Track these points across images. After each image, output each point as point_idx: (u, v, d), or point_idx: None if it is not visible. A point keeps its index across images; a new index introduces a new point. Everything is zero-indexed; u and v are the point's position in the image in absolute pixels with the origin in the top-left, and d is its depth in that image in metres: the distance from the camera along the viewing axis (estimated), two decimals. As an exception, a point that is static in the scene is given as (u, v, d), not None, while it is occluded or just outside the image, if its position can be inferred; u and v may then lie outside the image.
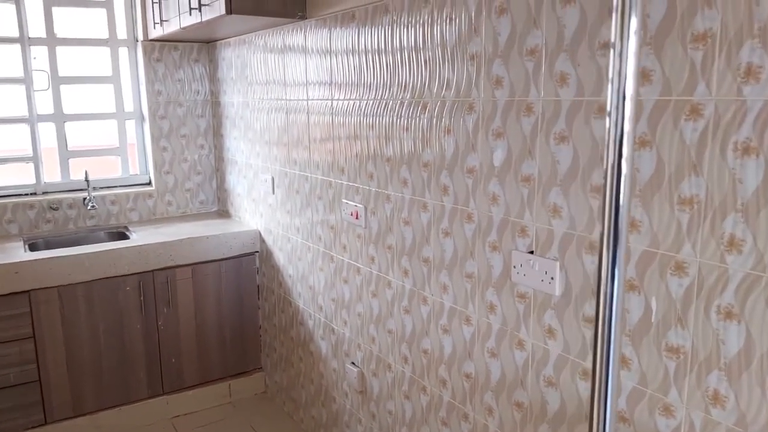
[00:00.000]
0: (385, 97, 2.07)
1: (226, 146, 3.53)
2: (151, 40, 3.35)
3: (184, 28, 2.79)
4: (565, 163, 1.47)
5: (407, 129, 1.99)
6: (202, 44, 3.55)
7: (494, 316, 1.74)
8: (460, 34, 1.73)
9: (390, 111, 2.06)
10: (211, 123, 3.66)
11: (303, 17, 2.49)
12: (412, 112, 1.95)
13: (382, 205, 2.17)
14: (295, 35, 2.59)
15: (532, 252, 1.59)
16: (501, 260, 1.69)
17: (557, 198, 1.50)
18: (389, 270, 2.19)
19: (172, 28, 2.93)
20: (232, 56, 3.27)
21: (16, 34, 3.16)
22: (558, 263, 1.52)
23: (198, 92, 3.58)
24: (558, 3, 1.44)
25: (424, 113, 1.90)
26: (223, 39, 3.33)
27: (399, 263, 2.13)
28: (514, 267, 1.64)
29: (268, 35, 2.82)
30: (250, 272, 3.27)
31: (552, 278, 1.54)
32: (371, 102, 2.15)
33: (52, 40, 3.26)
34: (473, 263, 1.79)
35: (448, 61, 1.79)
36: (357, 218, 2.33)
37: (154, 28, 3.16)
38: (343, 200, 2.40)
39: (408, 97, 1.96)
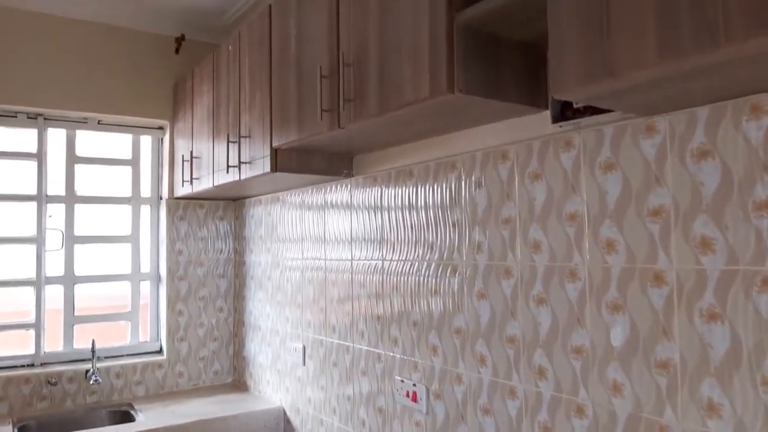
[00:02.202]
0: (453, 259, 1.82)
1: (248, 309, 3.22)
2: (177, 198, 3.19)
3: (217, 186, 2.63)
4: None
5: (483, 295, 1.71)
6: (228, 201, 3.40)
7: None
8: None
9: (459, 275, 1.79)
10: (233, 284, 3.39)
11: (349, 175, 2.33)
12: (490, 278, 1.68)
13: (451, 386, 1.82)
14: (338, 192, 2.41)
15: (679, 461, 1.24)
16: (632, 470, 1.32)
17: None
18: (462, 469, 1.78)
19: (203, 186, 2.77)
20: (262, 213, 3.08)
21: (34, 191, 3.00)
22: (725, 480, 1.15)
23: (221, 251, 3.36)
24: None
25: (508, 279, 1.63)
26: (253, 196, 3.17)
27: (476, 462, 1.73)
28: (655, 480, 1.27)
29: (306, 192, 2.65)
30: (272, 458, 2.80)
31: (718, 501, 1.16)
32: (434, 264, 1.89)
33: (71, 198, 3.10)
34: (588, 470, 1.41)
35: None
36: (415, 401, 1.96)
37: (183, 186, 3.01)
38: (396, 377, 2.05)
39: (485, 261, 1.70)
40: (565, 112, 1.50)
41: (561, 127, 1.51)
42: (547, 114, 1.55)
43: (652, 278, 1.29)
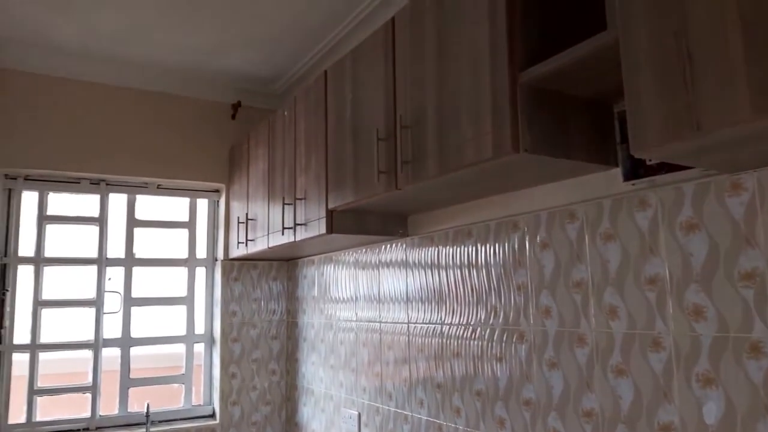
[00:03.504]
0: (520, 325, 1.72)
1: (301, 372, 3.15)
2: (231, 259, 3.21)
3: (272, 247, 2.62)
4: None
5: (553, 365, 1.60)
6: (282, 262, 3.39)
7: None
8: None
9: (527, 342, 1.69)
10: (286, 346, 3.34)
11: (404, 234, 2.28)
12: (560, 345, 1.57)
13: (521, 462, 1.69)
14: (392, 252, 2.36)
15: None
16: None
17: None
18: None
19: (258, 247, 2.78)
20: (315, 274, 3.06)
21: (94, 254, 3.07)
22: None
23: (274, 312, 3.33)
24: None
25: (582, 347, 1.52)
26: (305, 256, 3.16)
27: None
28: None
29: (360, 252, 2.61)
30: None
31: None
32: (498, 329, 1.80)
33: (130, 261, 3.15)
34: None
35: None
36: (481, 476, 1.83)
37: (237, 247, 3.03)
38: (460, 450, 1.93)
39: (555, 327, 1.60)
40: (637, 170, 1.42)
41: (634, 185, 1.43)
42: (615, 172, 1.48)
43: (748, 348, 1.17)
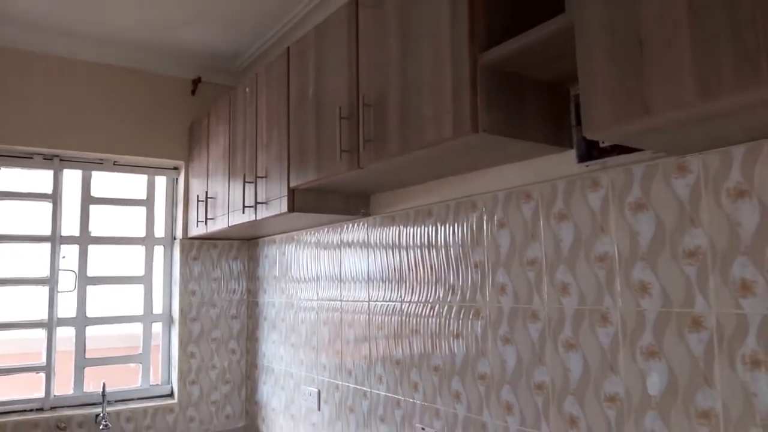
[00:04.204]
0: (476, 302, 1.77)
1: (262, 351, 3.16)
2: (191, 238, 3.17)
3: (232, 226, 2.60)
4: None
5: (507, 340, 1.65)
6: (242, 241, 3.37)
7: None
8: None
9: (483, 319, 1.74)
10: (246, 325, 3.33)
11: (366, 214, 2.30)
12: (516, 321, 1.63)
13: (475, 434, 1.75)
14: (354, 232, 2.38)
15: None
16: None
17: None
18: None
19: (217, 226, 2.75)
20: (276, 253, 3.05)
21: (48, 232, 2.99)
22: None
23: (234, 291, 3.32)
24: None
25: (534, 323, 1.58)
26: (267, 236, 3.15)
27: None
28: None
29: (321, 232, 2.62)
30: None
31: None
32: (455, 306, 1.84)
33: (85, 239, 3.08)
34: None
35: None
36: (437, 449, 1.88)
37: (197, 226, 3.00)
38: (417, 425, 1.97)
39: (509, 303, 1.65)
40: (591, 152, 1.47)
41: (588, 166, 1.48)
42: (571, 153, 1.52)
43: (690, 323, 1.23)
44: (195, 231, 3.05)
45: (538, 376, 1.56)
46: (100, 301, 3.13)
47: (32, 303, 2.95)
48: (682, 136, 1.13)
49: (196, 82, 3.26)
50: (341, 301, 2.45)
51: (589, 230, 1.45)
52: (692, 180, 1.25)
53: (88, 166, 3.12)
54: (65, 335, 3.01)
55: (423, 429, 1.95)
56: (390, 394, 2.12)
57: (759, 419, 1.12)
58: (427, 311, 1.96)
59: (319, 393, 2.58)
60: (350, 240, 2.41)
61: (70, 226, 3.07)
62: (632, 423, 1.33)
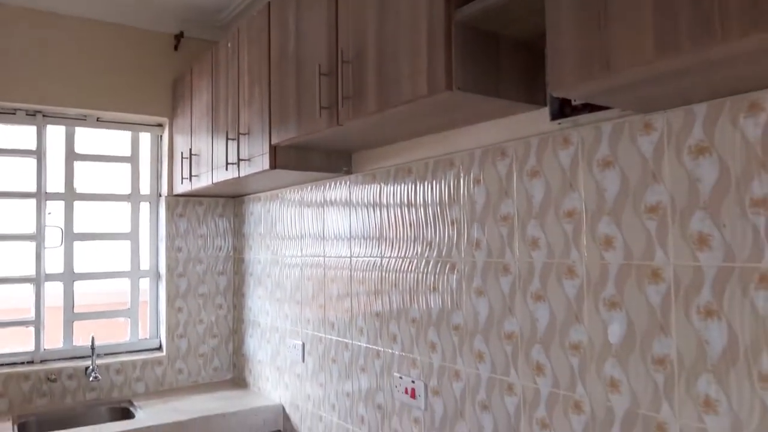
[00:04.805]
0: (451, 256, 1.82)
1: (248, 306, 3.22)
2: (176, 195, 3.20)
3: (216, 184, 2.63)
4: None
5: (481, 292, 1.71)
6: (228, 198, 3.40)
7: None
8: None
9: (458, 272, 1.80)
10: (233, 281, 3.39)
11: (348, 172, 2.33)
12: (488, 274, 1.68)
13: (449, 382, 1.82)
14: (337, 189, 2.41)
15: (677, 457, 1.24)
16: (630, 465, 1.33)
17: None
18: (460, 465, 1.79)
19: (202, 183, 2.77)
20: (261, 211, 3.09)
21: (33, 188, 3.00)
22: (721, 476, 1.16)
23: (220, 248, 3.36)
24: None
25: (506, 275, 1.63)
26: (252, 193, 3.18)
27: (474, 458, 1.73)
28: (652, 476, 1.28)
29: (305, 189, 2.65)
30: (271, 457, 2.80)
31: (714, 496, 1.17)
32: (432, 261, 1.89)
33: (70, 195, 3.10)
34: (586, 466, 1.42)
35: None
36: (413, 397, 1.97)
37: (182, 183, 3.02)
38: (395, 374, 2.05)
39: (483, 257, 1.70)
40: (563, 110, 1.50)
41: (560, 124, 1.51)
42: (545, 111, 1.55)
43: (649, 275, 1.29)
44: (180, 188, 3.07)
45: (508, 327, 1.63)
46: (87, 257, 3.16)
47: (20, 259, 2.98)
48: (646, 94, 1.16)
49: (179, 37, 3.23)
50: (324, 257, 2.50)
51: (559, 186, 1.49)
52: (656, 137, 1.29)
53: (71, 122, 3.11)
54: (54, 292, 3.05)
55: (401, 377, 2.03)
56: (370, 345, 2.20)
57: (710, 365, 1.19)
58: (406, 266, 2.02)
59: (303, 345, 2.66)
60: (333, 198, 2.44)
61: (55, 182, 3.07)
62: (593, 369, 1.40)
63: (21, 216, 3.00)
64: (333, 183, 2.44)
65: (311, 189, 2.61)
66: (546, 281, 1.52)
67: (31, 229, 3.00)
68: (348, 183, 2.34)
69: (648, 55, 0.96)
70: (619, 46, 1.00)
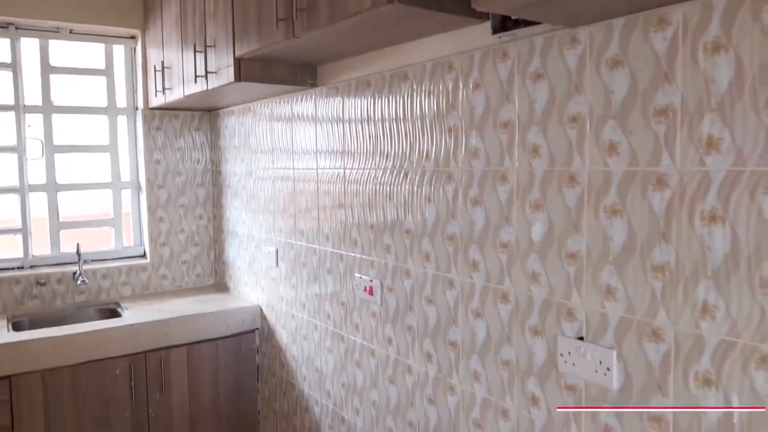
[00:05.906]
0: (404, 167, 1.94)
1: (227, 216, 3.37)
2: (152, 108, 3.26)
3: (187, 96, 2.69)
4: (619, 239, 1.32)
5: (429, 199, 1.85)
6: (203, 112, 3.46)
7: (537, 410, 1.54)
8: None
9: (410, 181, 1.92)
10: (211, 192, 3.52)
11: (313, 85, 2.40)
12: (436, 182, 1.81)
13: (401, 280, 2.00)
14: (304, 103, 2.49)
15: (581, 338, 1.42)
16: (544, 347, 1.51)
17: (610, 278, 1.34)
18: (409, 353, 1.99)
19: (174, 96, 2.84)
20: (235, 124, 3.16)
21: (11, 101, 3.05)
22: (614, 352, 1.34)
23: (198, 161, 3.46)
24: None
25: (450, 183, 1.76)
26: (226, 107, 3.24)
27: (421, 346, 1.93)
28: (561, 355, 1.46)
29: (275, 103, 2.72)
30: (250, 352, 3.04)
31: (608, 369, 1.35)
32: (388, 171, 2.01)
33: (48, 108, 3.16)
34: (510, 349, 1.61)
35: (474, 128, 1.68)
36: (371, 294, 2.15)
37: (156, 96, 3.07)
38: (356, 274, 2.23)
39: (432, 166, 1.83)
40: (505, 24, 1.57)
41: (500, 38, 1.58)
42: (487, 25, 1.62)
43: (567, 180, 1.42)
44: (155, 101, 3.13)
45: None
46: (68, 170, 3.26)
47: (2, 171, 3.08)
48: (569, 10, 1.24)
49: (148, -55, 3.17)
50: (294, 169, 2.62)
51: (498, 99, 1.59)
52: (581, 51, 1.37)
53: (44, 34, 3.11)
54: (38, 203, 3.17)
55: (361, 278, 2.20)
56: (335, 250, 2.36)
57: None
58: (365, 177, 2.14)
59: (276, 252, 2.83)
60: (300, 111, 2.52)
61: (32, 96, 3.12)
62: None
63: (1, 129, 3.07)
64: (300, 96, 2.51)
65: (281, 102, 2.68)
66: (483, 187, 1.64)
67: (12, 141, 3.08)
68: (314, 96, 2.42)
69: (553, -28, 1.04)
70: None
